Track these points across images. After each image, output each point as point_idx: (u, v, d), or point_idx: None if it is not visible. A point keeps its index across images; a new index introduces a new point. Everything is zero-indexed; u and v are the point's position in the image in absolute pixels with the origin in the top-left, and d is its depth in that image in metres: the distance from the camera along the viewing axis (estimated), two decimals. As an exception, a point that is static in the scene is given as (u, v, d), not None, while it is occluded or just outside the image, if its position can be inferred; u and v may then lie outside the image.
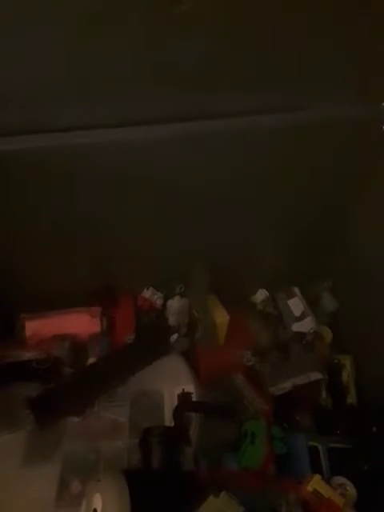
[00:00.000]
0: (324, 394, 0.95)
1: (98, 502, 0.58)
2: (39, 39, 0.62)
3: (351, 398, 0.95)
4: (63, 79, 0.67)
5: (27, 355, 0.87)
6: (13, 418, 0.80)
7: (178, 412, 0.79)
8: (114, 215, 0.85)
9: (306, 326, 1.00)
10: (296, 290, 1.08)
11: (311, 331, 0.98)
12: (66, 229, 0.85)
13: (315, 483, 0.64)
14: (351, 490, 0.69)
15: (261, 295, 1.09)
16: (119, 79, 0.68)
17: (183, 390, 0.85)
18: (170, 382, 0.88)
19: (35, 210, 0.81)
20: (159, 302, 1.02)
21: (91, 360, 0.91)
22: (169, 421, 0.81)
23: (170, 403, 0.84)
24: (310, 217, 0.95)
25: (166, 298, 1.02)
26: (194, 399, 0.84)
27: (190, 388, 0.87)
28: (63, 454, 0.76)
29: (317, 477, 0.65)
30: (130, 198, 0.82)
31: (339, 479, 0.69)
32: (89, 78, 0.67)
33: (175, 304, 0.99)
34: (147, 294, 1.01)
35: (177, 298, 1.00)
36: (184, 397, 0.84)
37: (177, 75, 0.69)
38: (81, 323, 0.95)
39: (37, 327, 0.92)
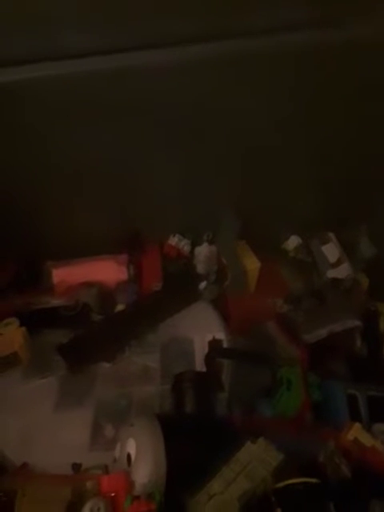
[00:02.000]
0: (359, 343, 0.91)
1: (131, 446, 0.57)
2: None
3: (388, 348, 0.92)
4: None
5: (55, 302, 0.86)
6: (44, 364, 0.80)
7: (209, 358, 0.77)
8: (137, 154, 0.80)
9: (343, 272, 0.95)
10: (331, 235, 1.02)
11: (348, 278, 0.94)
12: (88, 169, 0.80)
13: (356, 431, 0.61)
14: (394, 436, 0.66)
15: (293, 242, 1.04)
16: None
17: (214, 337, 0.83)
18: (200, 329, 0.86)
19: (54, 148, 0.76)
20: (187, 249, 0.98)
21: (119, 307, 0.90)
22: (199, 367, 0.80)
23: (200, 350, 0.83)
24: (346, 155, 0.88)
25: (193, 245, 0.98)
26: (224, 346, 0.83)
27: (221, 335, 0.85)
28: (95, 399, 0.76)
29: (357, 425, 0.63)
30: (153, 131, 0.76)
31: (381, 426, 0.67)
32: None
33: (203, 251, 0.95)
34: (174, 240, 0.98)
35: (205, 244, 0.96)
36: (215, 343, 0.82)
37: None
38: (108, 270, 0.93)
39: (64, 274, 0.91)
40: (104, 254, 0.94)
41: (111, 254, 0.95)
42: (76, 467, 0.64)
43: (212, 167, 0.85)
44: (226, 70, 0.70)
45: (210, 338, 0.83)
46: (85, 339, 0.81)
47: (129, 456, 0.57)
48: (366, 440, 0.61)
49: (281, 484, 0.52)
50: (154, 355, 0.83)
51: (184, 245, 0.98)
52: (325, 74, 0.73)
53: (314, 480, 0.52)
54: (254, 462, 0.54)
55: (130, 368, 0.81)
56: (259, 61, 0.70)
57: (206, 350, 0.81)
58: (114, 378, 0.80)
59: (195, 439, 0.60)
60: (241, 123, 0.78)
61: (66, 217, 0.90)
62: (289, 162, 0.87)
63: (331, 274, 0.96)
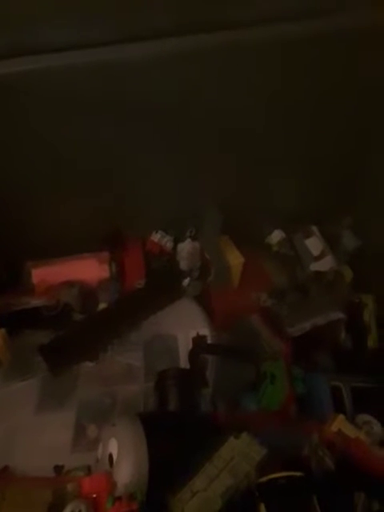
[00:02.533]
0: (343, 335, 0.92)
1: (113, 446, 0.56)
2: None
3: (372, 340, 0.92)
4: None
5: (35, 302, 0.84)
6: (25, 366, 0.79)
7: (193, 354, 0.77)
8: (118, 150, 0.79)
9: (326, 265, 0.95)
10: (314, 228, 1.02)
11: (331, 270, 0.94)
12: (68, 166, 0.79)
13: (339, 423, 0.61)
14: (377, 427, 0.67)
15: (276, 236, 1.03)
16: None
17: (197, 333, 0.83)
18: (184, 326, 0.85)
19: (34, 146, 0.75)
20: (169, 246, 0.97)
21: (102, 306, 0.88)
22: (183, 364, 0.79)
23: (184, 347, 0.82)
24: (328, 147, 0.87)
25: (176, 241, 0.97)
26: (208, 342, 0.82)
27: (205, 331, 0.84)
28: (78, 399, 0.75)
29: (340, 417, 0.63)
30: (132, 127, 0.75)
31: (364, 417, 0.67)
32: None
33: (186, 247, 0.94)
34: (156, 237, 0.97)
35: (187, 240, 0.95)
36: (198, 339, 0.81)
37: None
38: (89, 269, 0.91)
39: (44, 274, 0.89)
40: (85, 252, 0.93)
41: (92, 252, 0.93)
42: (58, 469, 0.63)
43: (194, 163, 0.84)
44: (211, 64, 0.69)
45: (193, 334, 0.83)
46: (66, 339, 0.80)
47: (111, 456, 0.56)
48: (350, 431, 0.61)
49: (264, 478, 0.51)
50: (138, 353, 0.82)
51: (167, 241, 0.97)
52: (309, 65, 0.72)
53: (297, 474, 0.51)
54: (237, 457, 0.54)
55: (114, 367, 0.80)
56: (245, 53, 0.69)
57: (190, 347, 0.81)
58: (97, 377, 0.79)
59: (178, 436, 0.59)
60: (223, 119, 0.77)
61: (45, 215, 0.88)
62: (272, 157, 0.86)
63: (314, 267, 0.96)
